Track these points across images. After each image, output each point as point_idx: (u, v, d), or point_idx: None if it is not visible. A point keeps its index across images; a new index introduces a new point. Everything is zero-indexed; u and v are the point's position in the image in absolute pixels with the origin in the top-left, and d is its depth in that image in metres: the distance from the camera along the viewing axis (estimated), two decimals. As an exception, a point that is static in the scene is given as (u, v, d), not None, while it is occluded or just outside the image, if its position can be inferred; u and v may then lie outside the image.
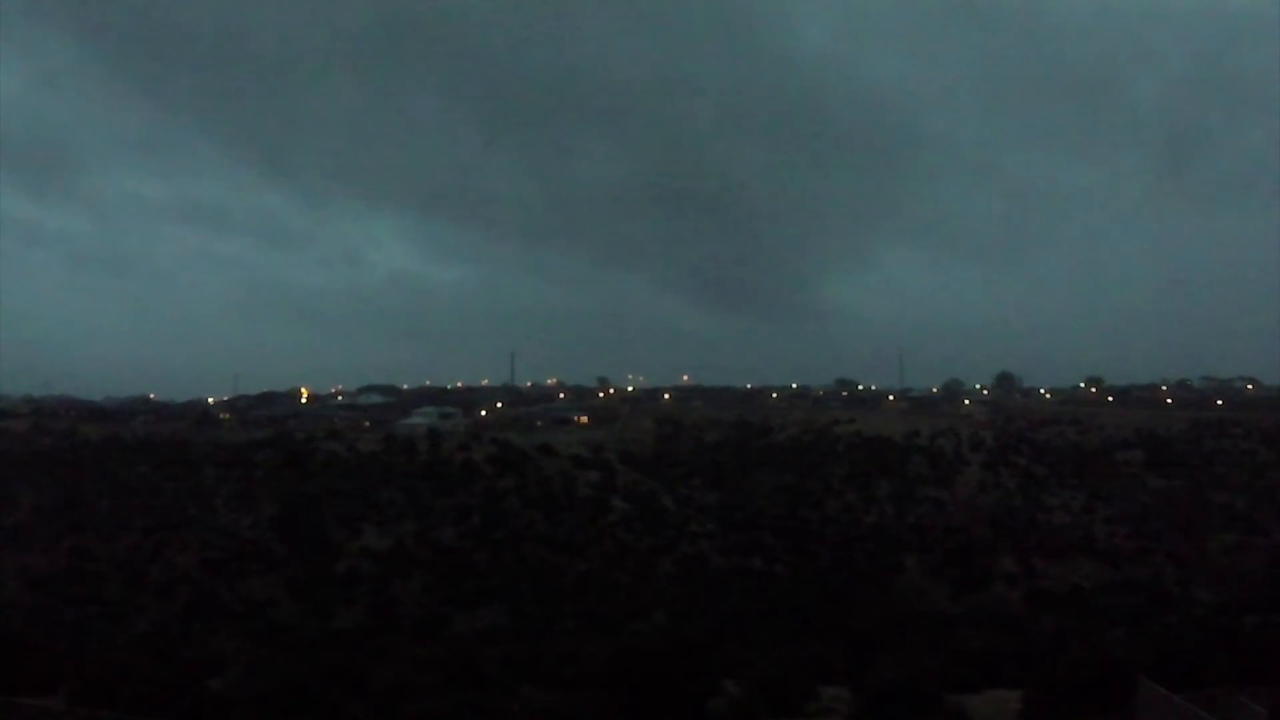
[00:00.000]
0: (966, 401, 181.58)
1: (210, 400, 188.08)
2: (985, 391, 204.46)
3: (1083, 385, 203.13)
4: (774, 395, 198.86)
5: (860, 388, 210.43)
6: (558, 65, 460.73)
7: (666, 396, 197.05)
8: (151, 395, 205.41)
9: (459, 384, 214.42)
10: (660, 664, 26.00)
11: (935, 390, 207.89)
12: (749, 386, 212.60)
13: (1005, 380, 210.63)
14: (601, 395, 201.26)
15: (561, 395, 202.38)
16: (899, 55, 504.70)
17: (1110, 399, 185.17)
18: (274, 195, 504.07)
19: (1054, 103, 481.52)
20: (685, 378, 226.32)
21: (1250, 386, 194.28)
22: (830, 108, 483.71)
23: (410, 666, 31.07)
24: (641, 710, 25.11)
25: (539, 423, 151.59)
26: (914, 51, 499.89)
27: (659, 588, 70.89)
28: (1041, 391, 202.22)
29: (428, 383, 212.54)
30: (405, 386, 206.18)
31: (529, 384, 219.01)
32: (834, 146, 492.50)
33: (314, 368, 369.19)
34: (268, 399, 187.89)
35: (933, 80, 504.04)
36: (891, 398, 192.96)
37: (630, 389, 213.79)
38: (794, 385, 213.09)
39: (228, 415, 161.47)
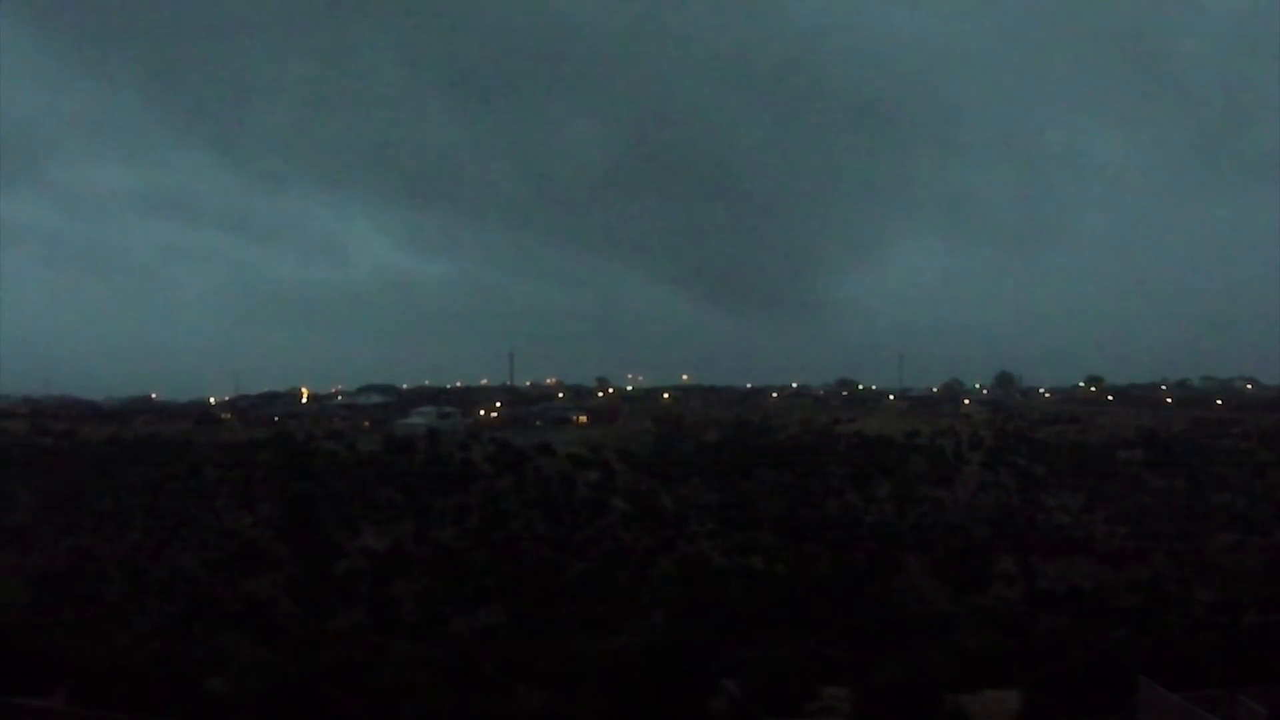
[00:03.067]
0: (966, 401, 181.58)
1: (211, 400, 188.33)
2: (985, 391, 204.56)
3: (1082, 385, 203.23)
4: (774, 395, 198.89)
5: (860, 387, 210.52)
6: (533, 29, 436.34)
7: (666, 396, 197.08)
8: (153, 395, 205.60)
9: (458, 383, 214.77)
10: (660, 664, 25.99)
11: (935, 390, 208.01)
12: (749, 386, 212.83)
13: (1005, 380, 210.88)
14: (601, 395, 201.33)
15: (561, 395, 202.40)
16: (906, 11, 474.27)
17: (1110, 398, 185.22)
18: (236, 180, 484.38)
19: (1081, 64, 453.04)
20: (685, 377, 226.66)
21: (1250, 386, 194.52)
22: (832, 73, 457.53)
23: (409, 666, 31.03)
24: (641, 710, 25.10)
25: (538, 422, 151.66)
26: (922, 7, 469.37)
27: (658, 587, 70.80)
28: (1041, 391, 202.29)
29: (427, 382, 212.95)
30: (404, 386, 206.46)
31: (528, 383, 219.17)
32: (837, 117, 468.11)
33: (313, 367, 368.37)
34: (268, 399, 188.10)
35: (946, 39, 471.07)
36: (891, 397, 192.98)
37: (630, 388, 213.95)
38: (794, 384, 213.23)
39: (229, 415, 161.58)
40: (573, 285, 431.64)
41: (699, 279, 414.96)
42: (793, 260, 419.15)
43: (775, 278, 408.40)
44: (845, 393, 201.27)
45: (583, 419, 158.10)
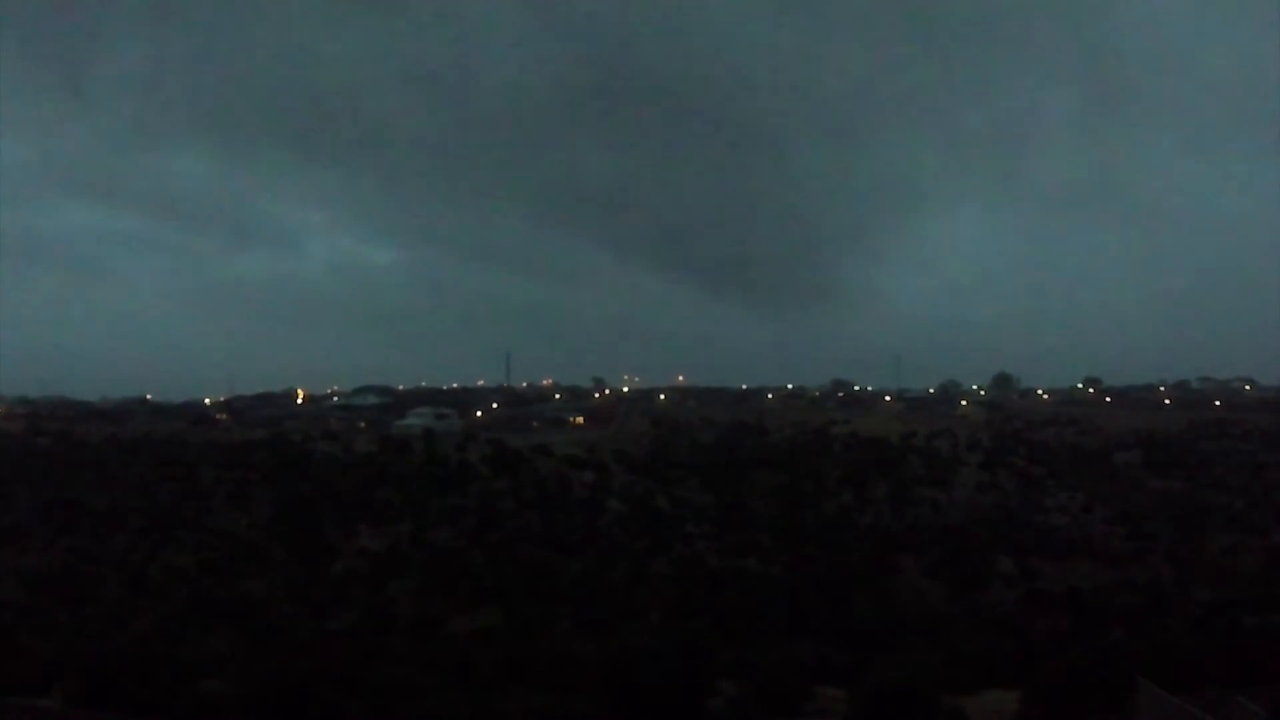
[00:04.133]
0: (963, 402, 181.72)
1: (207, 401, 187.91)
2: (982, 392, 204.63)
3: (1080, 386, 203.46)
4: (769, 395, 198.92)
5: (856, 388, 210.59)
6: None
7: (662, 397, 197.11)
8: (148, 396, 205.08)
9: (455, 384, 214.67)
10: (656, 664, 25.98)
11: (932, 391, 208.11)
12: (744, 387, 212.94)
13: (1002, 381, 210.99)
14: (597, 396, 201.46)
15: (557, 395, 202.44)
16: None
17: (1108, 399, 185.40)
18: (236, 179, 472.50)
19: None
20: (680, 378, 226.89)
21: (1248, 387, 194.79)
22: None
23: (406, 667, 31.00)
24: (638, 711, 25.09)
25: (535, 423, 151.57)
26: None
27: (655, 588, 70.59)
28: (1039, 392, 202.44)
29: (423, 383, 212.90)
30: (401, 387, 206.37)
31: (525, 384, 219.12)
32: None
33: (309, 368, 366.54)
34: (264, 399, 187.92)
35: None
36: (888, 398, 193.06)
37: (626, 389, 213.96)
38: (789, 385, 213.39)
39: (224, 416, 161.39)
40: (570, 285, 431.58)
41: (698, 278, 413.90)
42: (791, 259, 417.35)
43: (772, 277, 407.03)
44: (841, 394, 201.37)
45: (579, 420, 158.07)
